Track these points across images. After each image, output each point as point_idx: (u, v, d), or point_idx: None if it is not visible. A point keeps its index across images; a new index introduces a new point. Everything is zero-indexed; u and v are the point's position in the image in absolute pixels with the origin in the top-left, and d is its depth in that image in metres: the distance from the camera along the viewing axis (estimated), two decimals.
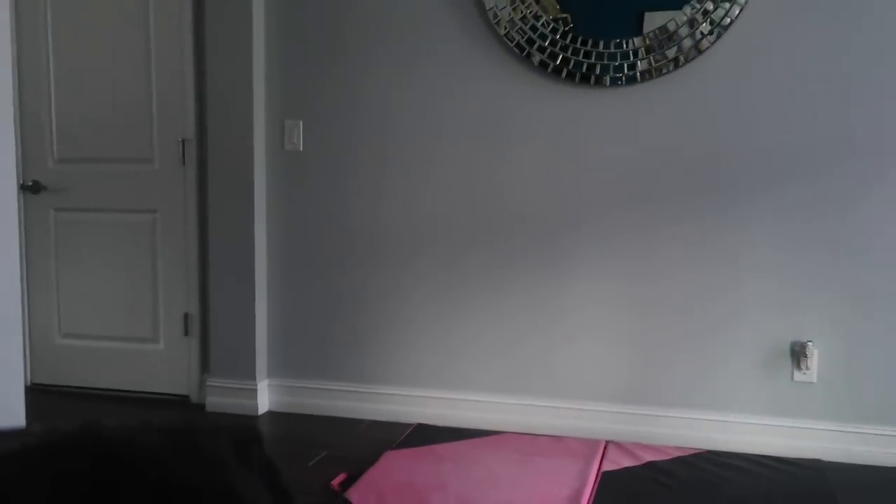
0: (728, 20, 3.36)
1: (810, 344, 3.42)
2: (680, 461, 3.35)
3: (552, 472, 3.21)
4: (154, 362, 4.12)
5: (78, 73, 4.08)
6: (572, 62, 3.52)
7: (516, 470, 3.22)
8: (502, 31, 3.57)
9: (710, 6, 3.36)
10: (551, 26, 3.52)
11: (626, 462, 3.32)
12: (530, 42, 3.55)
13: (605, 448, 3.46)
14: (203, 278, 4.00)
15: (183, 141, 3.96)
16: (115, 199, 4.08)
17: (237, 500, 0.59)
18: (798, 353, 3.44)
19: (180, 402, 4.08)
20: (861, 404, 3.41)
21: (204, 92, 3.89)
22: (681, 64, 3.44)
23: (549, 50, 3.53)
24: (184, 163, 3.98)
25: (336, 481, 3.07)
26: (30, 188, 4.16)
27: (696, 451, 3.45)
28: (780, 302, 3.44)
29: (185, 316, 4.05)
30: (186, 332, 4.05)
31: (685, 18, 3.40)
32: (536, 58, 3.55)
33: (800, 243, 3.41)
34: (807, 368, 3.44)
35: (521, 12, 3.53)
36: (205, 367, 4.03)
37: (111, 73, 4.03)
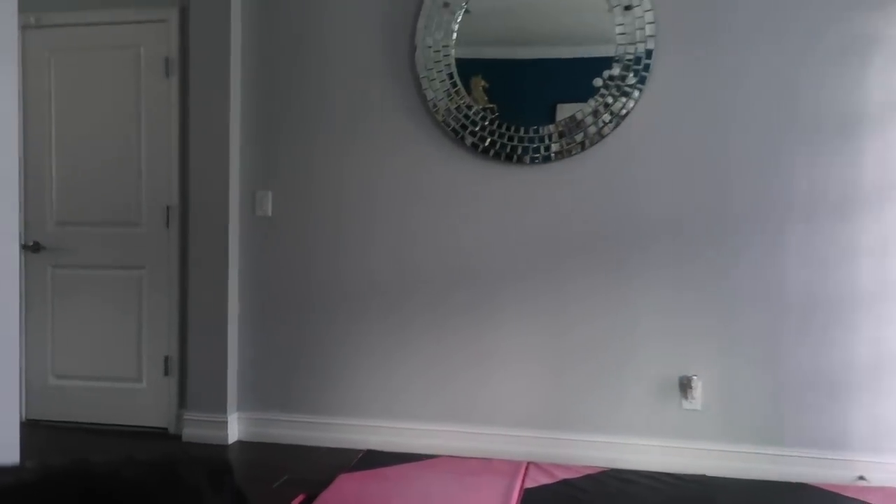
0: (625, 111, 3.49)
1: (695, 377, 3.50)
2: (589, 478, 3.36)
3: (481, 489, 3.19)
4: (137, 399, 4.07)
5: (76, 145, 4.08)
6: (498, 144, 3.60)
7: (451, 488, 3.20)
8: (440, 118, 3.65)
9: (610, 100, 3.49)
10: (481, 115, 3.60)
11: (544, 480, 3.31)
12: (464, 127, 3.63)
13: (527, 468, 3.45)
14: (182, 325, 3.99)
15: (168, 207, 3.98)
16: (106, 257, 4.07)
17: None
18: (685, 385, 3.51)
19: (160, 433, 4.02)
20: (737, 427, 3.48)
21: (187, 165, 3.92)
22: (587, 147, 3.53)
23: (479, 134, 3.61)
24: (168, 226, 3.99)
25: (296, 502, 3.02)
26: (31, 248, 4.12)
27: (603, 470, 3.46)
28: (670, 343, 3.52)
29: (166, 358, 4.02)
30: (166, 373, 4.03)
31: (590, 110, 3.51)
32: (469, 140, 3.63)
33: (684, 296, 3.50)
34: (693, 398, 3.50)
35: (456, 103, 3.63)
36: (182, 402, 3.99)
37: (106, 146, 4.04)
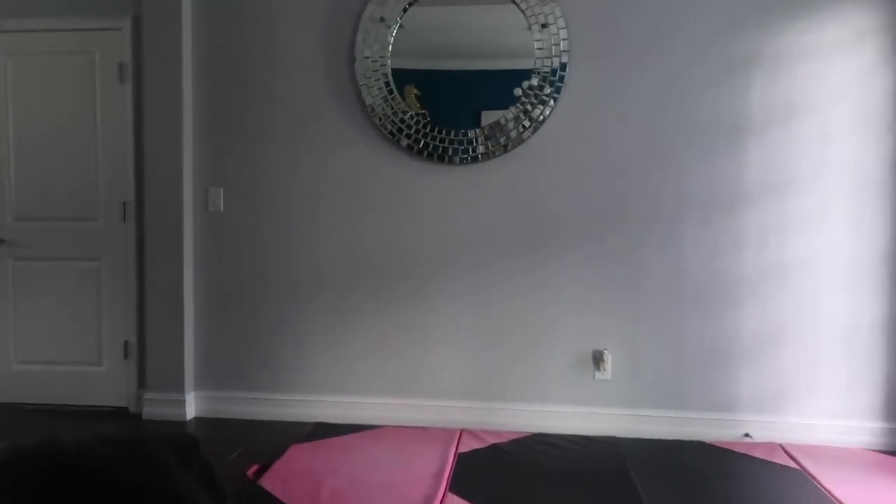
0: (542, 117, 3.58)
1: (606, 352, 3.62)
2: (516, 442, 3.44)
3: (421, 456, 3.25)
4: (98, 381, 4.02)
5: (35, 145, 3.98)
6: (430, 146, 3.65)
7: (394, 455, 3.25)
8: (378, 122, 3.69)
9: (530, 108, 3.58)
10: (415, 119, 3.65)
11: (476, 445, 3.39)
12: (399, 130, 3.67)
13: (460, 435, 3.52)
14: (140, 312, 3.95)
15: (124, 203, 3.92)
16: (65, 250, 3.98)
17: (181, 496, 0.59)
18: (598, 359, 3.63)
19: (120, 412, 3.98)
20: (642, 394, 3.61)
21: (142, 164, 3.87)
22: (509, 149, 3.61)
23: (413, 136, 3.66)
24: (124, 220, 3.93)
25: (251, 471, 3.05)
26: None
27: (528, 434, 3.55)
28: (584, 322, 3.64)
29: (125, 343, 3.98)
30: (126, 356, 3.98)
31: (511, 116, 3.59)
32: (404, 142, 3.67)
33: (595, 281, 3.62)
34: (604, 369, 3.61)
35: (392, 108, 3.67)
36: (142, 383, 3.96)
37: (64, 146, 3.96)
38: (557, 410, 3.66)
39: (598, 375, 3.64)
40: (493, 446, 3.39)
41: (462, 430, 3.60)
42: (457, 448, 3.35)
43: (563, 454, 3.32)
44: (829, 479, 3.04)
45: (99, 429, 3.64)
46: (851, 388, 3.53)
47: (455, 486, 2.91)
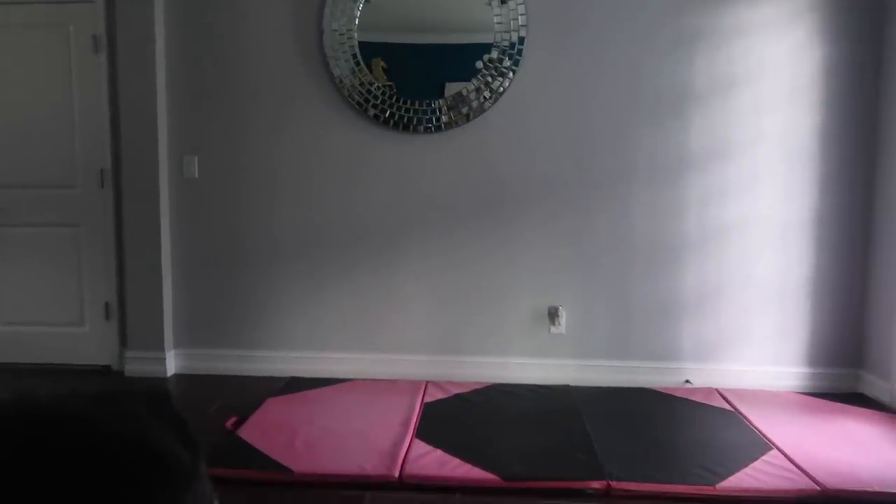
0: (502, 89, 3.52)
1: (561, 307, 3.63)
2: (477, 392, 3.43)
3: (390, 405, 3.22)
4: (81, 341, 3.88)
5: (12, 115, 3.77)
6: (396, 115, 3.57)
7: (364, 406, 3.22)
8: (346, 93, 3.59)
9: (490, 79, 3.51)
10: (381, 90, 3.56)
11: (441, 395, 3.37)
12: (367, 101, 3.57)
13: (426, 387, 3.49)
14: (120, 275, 3.81)
15: (102, 170, 3.76)
16: (45, 216, 3.81)
17: (152, 443, 0.57)
18: (553, 314, 3.63)
19: (104, 370, 3.88)
20: (594, 346, 3.63)
21: (118, 132, 3.70)
22: (471, 118, 3.55)
23: (379, 107, 3.56)
24: (102, 187, 3.77)
25: (229, 423, 3.00)
26: None
27: (489, 384, 3.52)
28: (541, 280, 3.63)
29: (106, 304, 3.85)
30: (107, 317, 3.86)
31: (473, 87, 3.52)
32: (371, 112, 3.58)
33: (552, 242, 3.61)
34: (559, 324, 3.62)
35: (360, 79, 3.56)
36: (123, 342, 3.84)
37: (41, 117, 3.76)
38: (516, 362, 3.65)
39: (553, 329, 3.65)
40: (456, 396, 3.37)
41: (427, 382, 3.56)
42: (422, 398, 3.32)
43: (520, 401, 3.33)
44: (759, 419, 3.10)
45: (74, 384, 3.55)
46: (781, 337, 3.59)
47: (421, 433, 2.90)
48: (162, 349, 3.76)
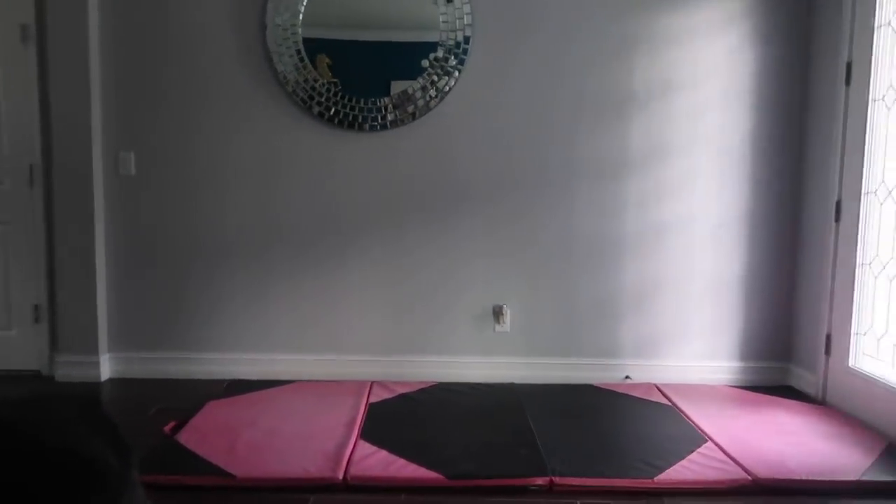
0: (448, 88, 3.52)
1: (505, 306, 3.65)
2: (423, 391, 3.42)
3: (335, 406, 3.18)
4: (8, 345, 3.69)
5: None
6: (341, 113, 3.53)
7: (309, 407, 3.18)
8: (290, 89, 3.52)
9: (436, 78, 3.51)
10: (326, 87, 3.51)
11: (386, 395, 3.35)
12: (311, 98, 3.52)
13: (371, 387, 3.46)
14: (50, 276, 3.64)
15: (31, 166, 3.59)
16: None
17: (82, 451, 0.56)
18: (497, 313, 3.65)
19: (33, 376, 3.70)
20: (538, 344, 3.67)
21: (49, 127, 3.54)
22: (417, 117, 3.53)
23: (324, 104, 3.52)
24: (31, 184, 3.60)
25: (168, 427, 2.91)
26: None
27: (434, 383, 3.52)
28: (485, 279, 3.64)
29: (35, 307, 3.68)
30: (37, 320, 3.68)
31: (419, 86, 3.51)
32: (316, 109, 3.53)
33: (496, 241, 3.62)
34: (504, 322, 3.65)
35: (304, 76, 3.51)
36: (54, 346, 3.67)
37: None
38: (461, 361, 3.66)
39: (497, 328, 3.67)
40: (402, 395, 3.36)
41: (373, 382, 3.53)
42: (367, 398, 3.30)
43: (465, 399, 3.34)
44: (695, 412, 3.20)
45: (2, 390, 3.38)
46: (716, 332, 3.71)
47: (366, 434, 2.88)
48: (96, 353, 3.61)
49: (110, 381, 3.65)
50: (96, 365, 3.61)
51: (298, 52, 3.48)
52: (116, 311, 3.68)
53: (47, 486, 0.49)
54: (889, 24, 3.07)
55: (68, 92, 3.48)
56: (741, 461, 2.68)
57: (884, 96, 3.11)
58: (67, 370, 3.61)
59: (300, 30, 3.47)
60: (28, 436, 0.52)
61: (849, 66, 3.25)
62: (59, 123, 3.50)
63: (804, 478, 2.57)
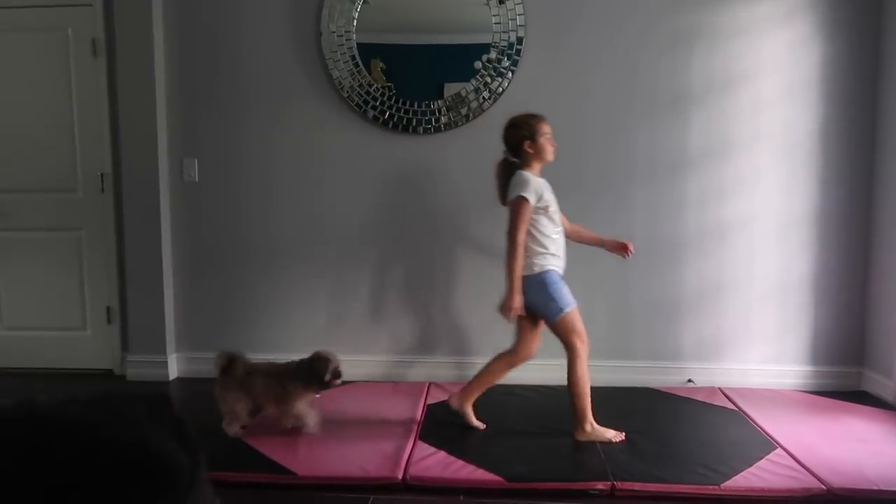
0: (501, 89, 3.50)
1: None
2: (481, 393, 3.37)
3: (392, 407, 3.21)
4: (83, 345, 3.87)
5: (12, 120, 3.75)
6: (395, 117, 3.55)
7: (368, 408, 3.22)
8: (345, 94, 3.56)
9: (489, 80, 3.49)
10: (380, 91, 3.53)
11: (443, 397, 3.29)
12: (366, 102, 3.55)
13: (428, 388, 3.47)
14: (121, 279, 3.79)
15: (102, 174, 3.74)
16: (47, 220, 3.79)
17: (151, 446, 0.57)
18: None
19: (106, 374, 3.86)
20: (596, 347, 3.47)
21: (118, 137, 3.68)
22: (470, 119, 3.53)
23: (379, 108, 3.54)
24: (103, 191, 3.75)
25: None
26: None
27: (493, 386, 3.34)
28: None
29: (108, 309, 3.84)
30: (109, 321, 3.84)
31: (472, 88, 3.51)
32: (370, 113, 3.56)
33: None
34: None
35: (358, 81, 3.54)
36: (125, 346, 3.82)
37: (41, 120, 3.74)
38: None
39: None
40: None
41: (430, 384, 3.54)
42: (425, 400, 3.30)
43: (524, 402, 3.31)
44: (762, 417, 3.08)
45: (75, 389, 3.52)
46: (782, 335, 3.57)
47: (424, 435, 2.89)
48: (164, 353, 3.74)
49: (178, 379, 3.77)
50: (164, 364, 3.73)
51: (353, 57, 3.52)
52: (183, 312, 3.79)
53: (117, 484, 0.49)
54: None
55: (135, 102, 3.61)
56: (814, 470, 2.55)
57: None
58: (138, 369, 3.74)
59: (354, 35, 3.51)
60: (98, 434, 0.53)
61: None
62: (127, 133, 3.63)
63: (882, 487, 2.43)
